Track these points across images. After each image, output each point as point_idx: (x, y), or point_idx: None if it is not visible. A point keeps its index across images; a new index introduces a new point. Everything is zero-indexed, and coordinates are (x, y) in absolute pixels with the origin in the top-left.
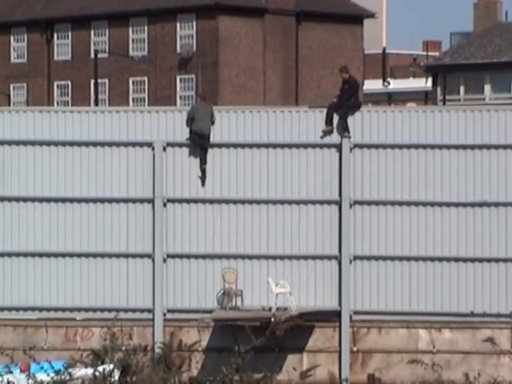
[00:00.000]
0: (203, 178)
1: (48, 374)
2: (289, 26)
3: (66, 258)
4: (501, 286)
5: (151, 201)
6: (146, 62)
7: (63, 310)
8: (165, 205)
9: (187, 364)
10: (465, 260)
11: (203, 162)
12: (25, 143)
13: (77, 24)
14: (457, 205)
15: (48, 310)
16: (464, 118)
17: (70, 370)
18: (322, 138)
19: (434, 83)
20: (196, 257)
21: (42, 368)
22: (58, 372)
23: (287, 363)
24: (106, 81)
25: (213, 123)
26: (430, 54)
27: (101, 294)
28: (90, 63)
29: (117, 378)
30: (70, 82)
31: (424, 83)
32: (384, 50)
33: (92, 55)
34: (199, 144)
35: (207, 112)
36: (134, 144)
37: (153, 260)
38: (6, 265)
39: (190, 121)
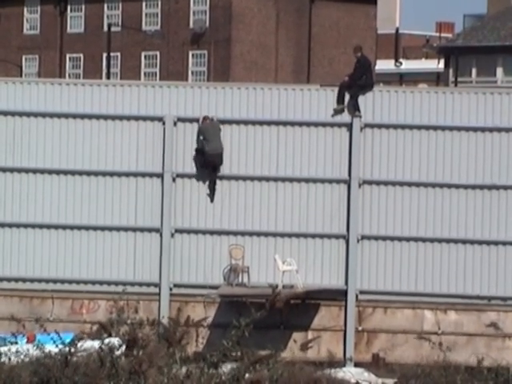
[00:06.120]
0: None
1: (56, 346)
2: (302, 4)
3: (75, 230)
4: (507, 269)
5: (160, 175)
6: (159, 36)
7: (70, 282)
8: (174, 180)
9: (192, 339)
10: (472, 242)
11: (213, 184)
12: (36, 115)
13: None
14: (466, 187)
15: (55, 281)
16: (475, 100)
17: (77, 342)
18: (332, 116)
19: (446, 65)
20: (204, 232)
21: (51, 339)
22: (66, 344)
23: (292, 341)
24: (119, 54)
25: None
26: (442, 35)
27: (108, 267)
28: (102, 36)
29: (122, 351)
30: (82, 55)
31: (436, 65)
32: (397, 30)
33: (105, 28)
34: (212, 165)
35: (217, 131)
36: (144, 118)
37: (160, 235)
38: (15, 236)
39: (201, 142)
